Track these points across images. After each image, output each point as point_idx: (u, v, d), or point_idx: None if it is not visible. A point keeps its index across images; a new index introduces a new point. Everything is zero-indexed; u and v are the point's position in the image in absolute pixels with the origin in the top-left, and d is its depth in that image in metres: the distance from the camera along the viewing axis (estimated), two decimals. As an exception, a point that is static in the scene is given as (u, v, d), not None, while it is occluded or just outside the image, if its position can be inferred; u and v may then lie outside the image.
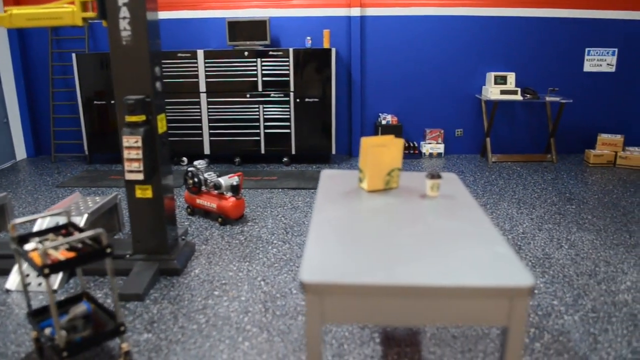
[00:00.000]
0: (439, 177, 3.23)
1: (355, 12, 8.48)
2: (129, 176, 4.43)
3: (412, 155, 8.93)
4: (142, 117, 4.38)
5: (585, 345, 3.63)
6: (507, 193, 6.98)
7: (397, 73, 8.84)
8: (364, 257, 2.36)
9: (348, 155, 9.09)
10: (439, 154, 8.97)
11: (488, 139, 8.72)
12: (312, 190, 7.12)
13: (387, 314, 2.19)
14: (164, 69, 7.98)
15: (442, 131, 9.00)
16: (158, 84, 4.57)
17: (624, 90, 9.11)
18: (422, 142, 9.04)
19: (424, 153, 8.95)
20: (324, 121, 8.20)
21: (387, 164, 3.32)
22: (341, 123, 9.00)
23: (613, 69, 9.07)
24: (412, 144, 8.92)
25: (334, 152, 8.36)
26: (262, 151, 8.41)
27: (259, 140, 8.37)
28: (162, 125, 4.64)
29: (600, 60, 9.02)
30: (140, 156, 4.36)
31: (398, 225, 2.74)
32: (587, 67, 9.03)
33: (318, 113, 8.17)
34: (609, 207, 6.49)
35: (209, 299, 4.30)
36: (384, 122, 8.65)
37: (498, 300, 2.15)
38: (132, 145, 4.37)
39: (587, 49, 8.96)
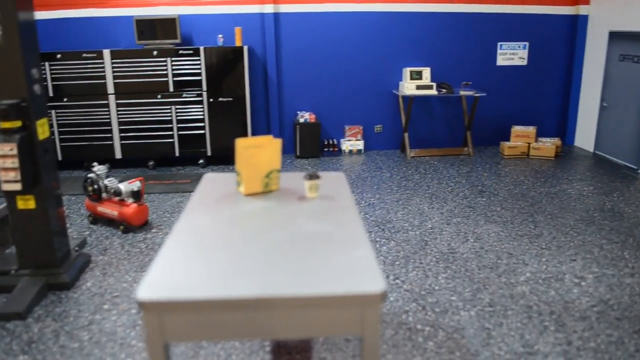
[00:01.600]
0: (317, 177, 3.10)
1: (269, 9, 8.32)
2: (6, 187, 4.13)
3: (331, 152, 8.84)
4: (18, 123, 4.09)
5: (478, 341, 3.59)
6: (421, 188, 6.97)
7: (315, 70, 8.73)
8: (214, 269, 2.20)
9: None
10: (359, 151, 8.92)
11: (406, 134, 8.74)
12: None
13: (232, 329, 2.04)
14: (67, 70, 7.59)
15: (362, 128, 8.95)
16: (37, 87, 4.28)
17: (535, 82, 9.31)
18: (341, 140, 8.96)
19: (344, 150, 8.88)
20: (240, 121, 8.01)
21: (264, 165, 3.17)
22: (259, 122, 8.82)
23: (525, 62, 9.25)
24: (331, 142, 8.83)
25: (251, 152, 8.14)
26: (177, 153, 8.13)
27: (173, 143, 8.09)
28: (43, 131, 4.35)
29: (512, 54, 9.18)
30: (17, 165, 4.07)
31: (264, 231, 2.59)
32: (500, 61, 9.17)
33: (233, 112, 7.97)
34: (518, 199, 6.57)
35: (97, 314, 4.05)
36: (302, 120, 8.53)
37: (349, 309, 2.03)
38: (7, 153, 4.06)
39: (499, 44, 9.10)
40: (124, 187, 5.55)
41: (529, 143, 8.66)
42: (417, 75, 8.55)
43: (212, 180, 3.47)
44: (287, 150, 8.85)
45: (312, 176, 3.09)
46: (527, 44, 9.15)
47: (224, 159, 8.39)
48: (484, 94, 8.64)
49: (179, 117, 7.93)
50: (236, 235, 2.54)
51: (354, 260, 2.26)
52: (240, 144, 3.06)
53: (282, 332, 2.05)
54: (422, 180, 7.27)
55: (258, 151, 3.12)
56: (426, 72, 8.57)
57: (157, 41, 7.89)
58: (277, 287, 2.03)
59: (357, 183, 7.12)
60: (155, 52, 7.69)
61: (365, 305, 2.02)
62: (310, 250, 2.36)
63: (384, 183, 7.14)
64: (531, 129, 8.70)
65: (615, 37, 8.38)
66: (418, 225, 5.69)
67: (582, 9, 9.08)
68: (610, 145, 8.57)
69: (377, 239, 5.29)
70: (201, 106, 7.89)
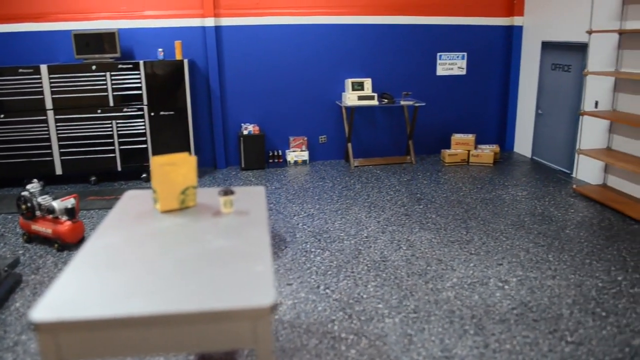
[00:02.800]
0: (231, 193, 3.16)
1: (210, 22, 8.35)
2: None
3: (276, 164, 8.90)
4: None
5: (399, 348, 3.69)
6: (361, 197, 7.09)
7: (258, 82, 8.80)
8: (113, 288, 2.23)
9: (213, 167, 8.92)
10: (304, 161, 9.01)
11: (349, 144, 8.86)
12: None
13: (127, 346, 2.07)
14: (3, 86, 7.46)
15: (306, 138, 9.04)
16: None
17: (475, 91, 9.58)
18: (287, 151, 9.03)
19: (289, 161, 8.95)
20: (182, 134, 8.00)
21: (180, 182, 3.21)
22: (203, 135, 8.83)
23: (464, 72, 9.51)
24: (276, 153, 8.89)
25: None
26: (119, 168, 8.07)
27: (115, 157, 8.02)
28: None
29: (451, 64, 9.42)
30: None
31: (172, 248, 2.64)
32: (440, 71, 9.40)
33: (175, 126, 7.95)
34: (454, 205, 6.74)
35: (23, 335, 4.00)
36: (246, 132, 8.57)
37: (240, 323, 2.09)
38: None
39: (439, 54, 9.34)
40: (57, 204, 5.49)
41: (468, 150, 8.88)
42: (358, 86, 8.69)
43: (132, 198, 3.49)
44: (232, 162, 8.88)
45: (227, 192, 3.15)
46: (465, 54, 9.41)
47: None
48: (424, 104, 8.86)
49: (120, 132, 7.88)
50: (143, 253, 2.58)
51: (251, 275, 2.33)
52: (156, 162, 3.09)
53: (177, 347, 2.10)
54: (363, 190, 7.39)
55: (173, 169, 3.16)
56: (367, 82, 8.73)
57: (97, 55, 7.83)
58: (171, 304, 2.08)
59: (299, 194, 7.19)
60: (94, 67, 7.63)
61: (256, 318, 2.08)
62: (211, 266, 2.42)
63: (326, 193, 7.23)
64: (470, 137, 8.93)
65: (547, 47, 8.71)
66: (354, 234, 5.79)
67: (516, 20, 9.39)
68: (545, 151, 8.87)
69: (312, 250, 5.37)
70: (142, 120, 7.86)
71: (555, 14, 8.36)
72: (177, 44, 7.89)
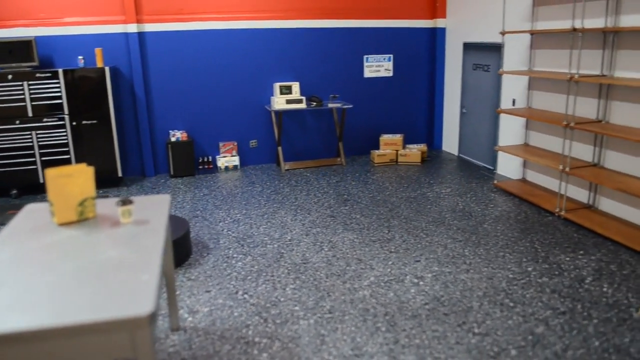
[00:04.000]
0: (130, 203, 3.13)
1: (132, 28, 8.22)
2: None
3: (206, 170, 8.83)
4: None
5: (310, 349, 3.73)
6: (289, 200, 7.12)
7: (186, 89, 8.71)
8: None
9: (142, 176, 8.78)
10: (235, 167, 8.97)
11: (280, 148, 8.89)
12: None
13: (-4, 365, 2.02)
14: None
15: (236, 143, 9.01)
16: None
17: (402, 92, 9.78)
18: (217, 156, 8.98)
19: (220, 167, 8.90)
20: (107, 143, 7.85)
21: (77, 194, 3.16)
22: (130, 143, 8.67)
23: (391, 74, 9.69)
24: (206, 159, 8.83)
25: (121, 174, 8.00)
26: (42, 180, 7.83)
27: (36, 169, 7.79)
28: None
29: (378, 66, 9.58)
30: None
31: (60, 261, 2.59)
32: (367, 73, 9.54)
33: (98, 135, 7.79)
34: (379, 205, 6.85)
35: None
36: (174, 138, 8.47)
37: (118, 333, 2.07)
38: None
39: (365, 56, 9.47)
40: (-34, 220, 5.28)
41: (397, 150, 9.05)
42: (286, 90, 8.73)
43: (31, 212, 3.41)
44: (161, 170, 8.76)
45: (125, 202, 3.12)
46: (391, 56, 9.58)
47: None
48: (351, 106, 8.97)
49: (40, 143, 7.66)
50: (30, 267, 2.52)
51: (136, 284, 2.31)
52: (50, 174, 3.04)
53: (54, 362, 2.06)
54: (292, 193, 7.43)
55: (69, 180, 3.10)
56: (295, 86, 8.77)
57: (13, 65, 7.59)
58: (49, 319, 2.04)
59: (227, 200, 7.17)
60: (10, 76, 7.39)
61: (134, 328, 2.07)
62: (97, 278, 2.39)
63: (254, 198, 7.23)
64: (398, 137, 9.10)
65: (468, 47, 8.97)
66: (278, 238, 5.81)
67: (439, 22, 9.64)
68: (470, 148, 9.14)
69: (234, 255, 5.36)
70: (64, 130, 7.67)
71: (474, 16, 8.63)
72: (98, 51, 7.74)
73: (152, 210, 3.33)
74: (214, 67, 8.68)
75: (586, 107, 6.40)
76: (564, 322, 4.05)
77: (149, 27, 8.30)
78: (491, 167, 8.45)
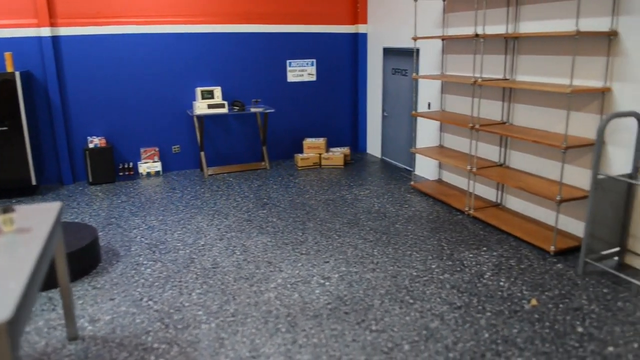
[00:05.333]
0: (11, 211, 3.06)
1: (46, 32, 8.00)
2: None
3: (127, 176, 8.68)
4: None
5: (208, 352, 3.74)
6: (207, 205, 7.09)
7: (105, 94, 8.54)
8: None
9: (59, 184, 8.54)
10: (157, 173, 8.86)
11: (202, 153, 8.84)
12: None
13: None
14: None
15: (158, 149, 8.90)
16: None
17: (326, 96, 9.90)
18: (138, 162, 8.84)
19: (141, 173, 8.77)
20: (18, 151, 7.59)
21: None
22: (46, 150, 8.43)
23: (314, 78, 9.79)
24: (127, 165, 8.68)
25: (35, 182, 7.76)
26: (-51, 190, 7.51)
27: (-57, 179, 7.46)
28: None
29: (301, 71, 9.67)
30: None
31: None
32: (291, 77, 9.61)
33: (10, 142, 7.54)
34: (297, 208, 6.92)
35: None
36: (91, 145, 8.29)
37: (-33, 343, 2.03)
38: None
39: (288, 61, 9.54)
40: None
41: (320, 154, 9.14)
42: (208, 95, 8.69)
43: None
44: (80, 177, 8.56)
45: (6, 210, 3.05)
46: (314, 60, 9.69)
47: (6, 191, 7.88)
48: (273, 110, 9.02)
49: (-54, 151, 7.34)
50: None
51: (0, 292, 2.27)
52: None
53: None
54: (211, 198, 7.40)
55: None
56: (217, 91, 8.75)
57: None
58: None
59: (144, 206, 7.07)
60: None
61: (-14, 337, 2.04)
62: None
63: (172, 204, 7.16)
64: (321, 140, 9.21)
65: (387, 52, 9.18)
66: (191, 243, 5.78)
67: (361, 28, 9.82)
68: (392, 151, 9.34)
69: (144, 262, 5.31)
70: (-28, 138, 7.38)
71: (392, 22, 8.85)
72: (7, 55, 7.50)
73: (37, 219, 3.28)
74: (134, 72, 8.55)
75: (492, 110, 6.67)
76: (458, 316, 4.21)
77: (65, 31, 8.10)
78: (411, 169, 8.67)
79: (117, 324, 4.16)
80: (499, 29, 6.41)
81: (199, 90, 8.63)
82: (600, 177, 4.71)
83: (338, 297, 4.51)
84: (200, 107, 8.53)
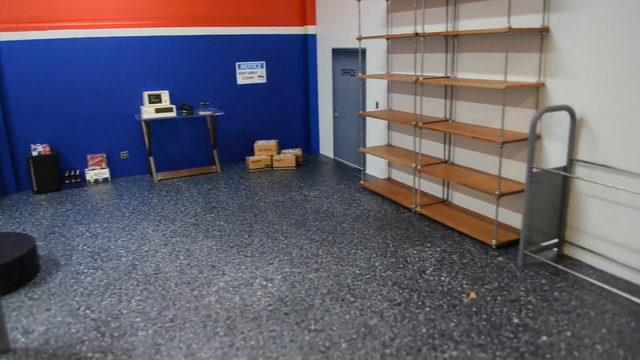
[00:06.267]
0: None
1: (-17, 38, 7.77)
2: None
3: (74, 184, 8.50)
4: None
5: (143, 359, 3.67)
6: (154, 211, 6.99)
7: (49, 100, 8.34)
8: None
9: (2, 193, 8.30)
10: (105, 179, 8.70)
11: (151, 158, 8.71)
12: None
13: None
14: None
15: (105, 155, 8.73)
16: None
17: (277, 98, 9.89)
18: (86, 169, 8.66)
19: (89, 180, 8.60)
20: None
21: None
22: (-12, 160, 8.20)
23: (265, 80, 9.75)
24: (74, 173, 8.49)
25: (-25, 193, 7.53)
26: None
27: None
28: None
29: (251, 73, 9.63)
30: None
31: None
32: (241, 80, 9.57)
33: (-54, 153, 7.29)
34: (245, 210, 6.87)
35: None
36: (35, 153, 8.08)
37: None
38: None
39: (237, 64, 9.49)
40: None
41: (271, 156, 9.12)
42: (156, 99, 8.58)
43: None
44: (25, 186, 8.34)
45: None
46: (264, 62, 9.67)
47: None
48: (222, 113, 8.96)
49: None
50: None
51: None
52: None
53: None
54: (159, 204, 7.30)
55: None
56: (165, 95, 8.65)
57: None
58: None
59: (90, 214, 6.94)
60: None
61: None
62: None
63: (119, 210, 7.04)
64: (272, 142, 9.18)
65: (336, 53, 9.21)
66: (134, 250, 5.69)
67: (310, 29, 9.83)
68: (344, 151, 9.38)
69: (85, 270, 5.20)
70: None
71: (340, 22, 8.89)
72: (-59, 63, 7.25)
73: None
74: (78, 77, 8.38)
75: (436, 108, 6.75)
76: (397, 312, 4.24)
77: (3, 37, 7.89)
78: (362, 169, 8.71)
79: (51, 334, 4.07)
80: (439, 27, 6.49)
81: (146, 94, 8.51)
82: (535, 170, 4.81)
83: (279, 299, 4.50)
84: (148, 111, 8.42)
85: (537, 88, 5.30)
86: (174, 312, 4.34)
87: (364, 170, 8.67)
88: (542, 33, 5.15)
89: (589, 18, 4.66)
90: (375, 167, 8.36)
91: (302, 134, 10.29)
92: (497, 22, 5.68)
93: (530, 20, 5.24)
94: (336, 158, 9.71)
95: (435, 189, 7.00)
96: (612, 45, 4.53)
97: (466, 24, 6.08)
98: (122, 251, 5.67)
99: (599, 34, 4.60)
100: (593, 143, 4.80)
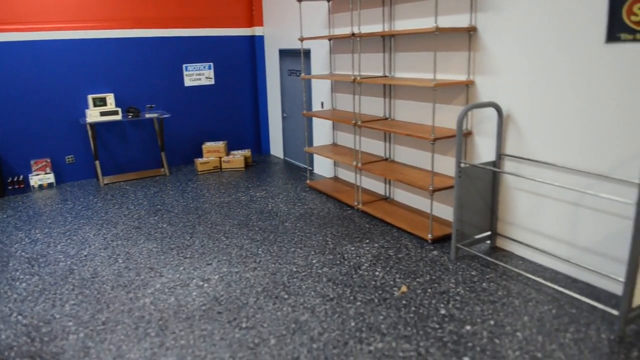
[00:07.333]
0: None
1: None
2: None
3: (17, 190, 8.36)
4: None
5: (71, 362, 3.67)
6: (97, 215, 6.94)
7: (-10, 105, 8.20)
8: None
9: (-57, 201, 8.12)
10: (50, 185, 8.59)
11: (97, 162, 8.64)
12: None
13: None
14: None
15: (50, 160, 8.62)
16: None
17: (226, 99, 9.90)
18: (30, 175, 8.53)
19: (33, 186, 8.47)
20: None
21: None
22: None
23: (213, 82, 9.76)
24: (17, 178, 8.35)
25: None
26: None
27: None
28: None
29: (199, 75, 9.62)
30: None
31: None
32: (188, 82, 9.55)
33: None
34: (190, 212, 6.89)
35: None
36: (-25, 159, 7.93)
37: None
38: None
39: (184, 65, 9.47)
40: None
41: (220, 157, 9.13)
42: (100, 102, 8.51)
43: None
44: (-36, 193, 8.17)
45: None
46: (212, 64, 9.67)
47: None
48: (169, 115, 8.93)
49: None
50: None
51: None
52: None
53: None
54: (103, 208, 7.25)
55: None
56: (110, 97, 8.58)
57: None
58: None
59: (32, 219, 6.85)
60: None
61: None
62: None
63: (62, 215, 6.97)
64: (221, 144, 9.20)
65: (283, 54, 9.28)
66: (73, 254, 5.66)
67: (257, 30, 9.88)
68: (293, 151, 9.46)
69: (20, 277, 5.15)
70: None
71: (286, 23, 8.96)
72: None
73: None
74: (20, 81, 8.25)
75: (376, 107, 6.89)
76: (329, 307, 4.33)
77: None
78: (310, 168, 8.80)
79: (-21, 342, 4.03)
80: (376, 28, 6.62)
81: (90, 97, 8.43)
82: (463, 165, 4.96)
83: (214, 298, 4.55)
84: (93, 114, 8.35)
85: (467, 86, 5.46)
86: (107, 315, 4.34)
87: (312, 170, 8.77)
88: (470, 32, 5.32)
89: (512, 17, 4.85)
90: (323, 167, 8.46)
91: (252, 135, 10.33)
92: (429, 22, 5.84)
93: (459, 20, 5.40)
94: (286, 158, 9.79)
95: (378, 187, 7.14)
96: (532, 44, 4.72)
97: (402, 24, 6.22)
98: (60, 256, 5.63)
99: (521, 33, 4.79)
100: (519, 138, 4.98)
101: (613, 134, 4.21)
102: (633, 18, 3.98)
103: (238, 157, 9.09)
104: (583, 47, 4.31)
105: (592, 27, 4.21)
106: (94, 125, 8.41)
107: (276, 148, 10.15)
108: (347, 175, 7.88)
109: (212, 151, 9.13)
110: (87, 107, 8.73)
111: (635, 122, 4.04)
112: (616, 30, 4.10)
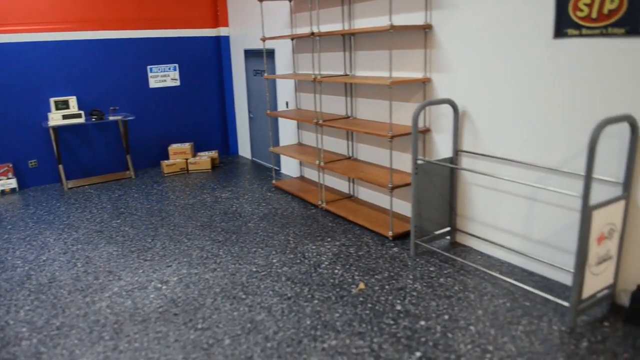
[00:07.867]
0: None
1: None
2: None
3: (-22, 196, 8.23)
4: None
5: (22, 369, 3.63)
6: (59, 220, 6.86)
7: (-51, 110, 8.04)
8: None
9: None
10: (13, 190, 8.46)
11: (61, 166, 8.54)
12: None
13: None
14: None
15: (12, 165, 8.49)
16: None
17: (192, 100, 9.85)
18: (-9, 180, 8.40)
19: (-6, 191, 8.33)
20: None
21: None
22: None
23: (178, 83, 9.70)
24: (-23, 184, 8.22)
25: None
26: None
27: None
28: None
29: (164, 76, 9.55)
30: None
31: None
32: (153, 83, 9.48)
33: None
34: (153, 215, 6.84)
35: None
36: None
37: None
38: None
39: (149, 67, 9.39)
40: None
41: (186, 159, 9.08)
42: (63, 105, 8.41)
43: None
44: None
45: None
46: (177, 65, 9.61)
47: None
48: (133, 117, 8.86)
49: None
50: None
51: None
52: None
53: None
54: (65, 212, 7.17)
55: None
56: (72, 100, 8.49)
57: None
58: None
59: (-9, 225, 6.75)
60: None
61: None
62: None
63: (22, 221, 6.87)
64: (187, 145, 9.15)
65: (248, 54, 9.27)
66: (32, 260, 5.59)
67: (222, 31, 9.85)
68: (260, 151, 9.45)
69: (-25, 283, 5.07)
70: None
71: (251, 23, 8.95)
72: None
73: None
74: (-21, 86, 8.11)
75: (339, 105, 6.91)
76: (286, 306, 4.34)
77: None
78: (277, 168, 8.80)
79: None
80: (336, 27, 6.65)
81: (52, 100, 8.33)
82: (420, 162, 5.01)
83: (172, 300, 4.53)
84: (55, 118, 8.25)
85: (424, 83, 5.52)
86: (62, 319, 4.31)
87: (278, 170, 8.77)
88: (426, 30, 5.36)
89: (466, 14, 4.91)
90: (290, 167, 8.47)
91: (220, 136, 10.30)
92: (386, 20, 5.88)
93: (415, 18, 5.45)
94: (254, 159, 9.78)
95: (342, 185, 7.17)
96: (485, 40, 4.78)
97: (361, 23, 6.26)
98: (18, 262, 5.56)
99: (475, 30, 4.86)
100: (475, 134, 5.05)
101: (562, 128, 4.29)
102: (579, 14, 4.05)
103: (205, 159, 9.06)
104: (532, 43, 4.39)
105: (541, 23, 4.29)
106: (57, 129, 8.31)
107: (244, 149, 10.14)
108: (313, 175, 7.90)
109: (179, 153, 9.09)
110: (49, 110, 8.61)
111: (582, 116, 4.13)
112: (563, 25, 4.18)
